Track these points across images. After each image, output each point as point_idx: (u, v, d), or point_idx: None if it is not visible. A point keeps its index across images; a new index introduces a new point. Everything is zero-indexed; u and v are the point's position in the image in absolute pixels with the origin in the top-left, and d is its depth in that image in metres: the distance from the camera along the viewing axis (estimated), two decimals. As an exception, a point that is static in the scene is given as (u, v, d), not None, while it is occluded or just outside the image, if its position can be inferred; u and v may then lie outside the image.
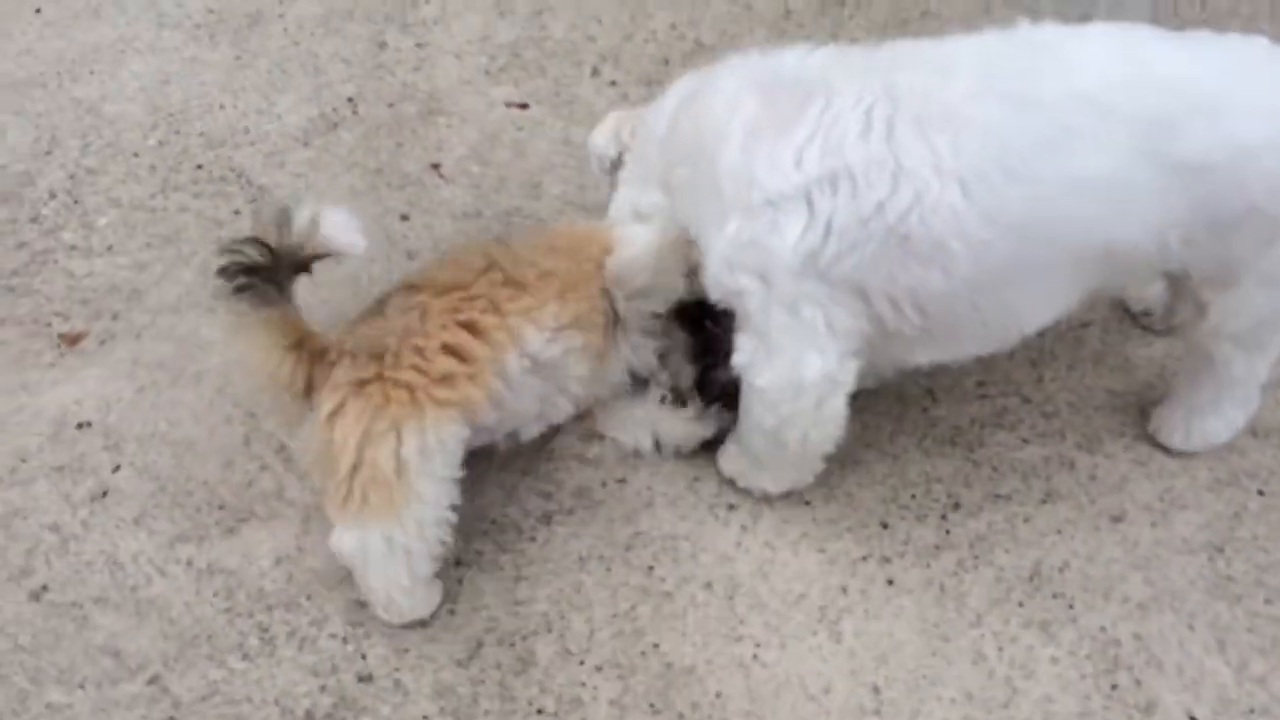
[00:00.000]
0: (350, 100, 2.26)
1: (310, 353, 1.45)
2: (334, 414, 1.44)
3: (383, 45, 2.36)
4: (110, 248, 2.04)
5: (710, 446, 1.75)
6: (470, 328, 1.50)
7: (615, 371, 1.68)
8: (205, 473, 1.74)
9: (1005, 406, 1.83)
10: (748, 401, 1.58)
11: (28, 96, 2.27)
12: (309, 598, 1.61)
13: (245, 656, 1.56)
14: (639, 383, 1.73)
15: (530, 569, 1.65)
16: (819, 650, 1.57)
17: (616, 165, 1.74)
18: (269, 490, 1.72)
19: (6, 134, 2.22)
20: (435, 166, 2.15)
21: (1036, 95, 1.38)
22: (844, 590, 1.63)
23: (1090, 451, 1.78)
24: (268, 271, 1.38)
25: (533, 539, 1.68)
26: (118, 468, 1.75)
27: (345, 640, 1.57)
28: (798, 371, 1.50)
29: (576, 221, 1.70)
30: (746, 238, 1.46)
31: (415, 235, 2.06)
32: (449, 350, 1.48)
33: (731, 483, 1.72)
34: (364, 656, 1.56)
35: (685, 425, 1.72)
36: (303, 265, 1.42)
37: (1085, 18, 1.55)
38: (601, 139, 1.75)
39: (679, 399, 1.73)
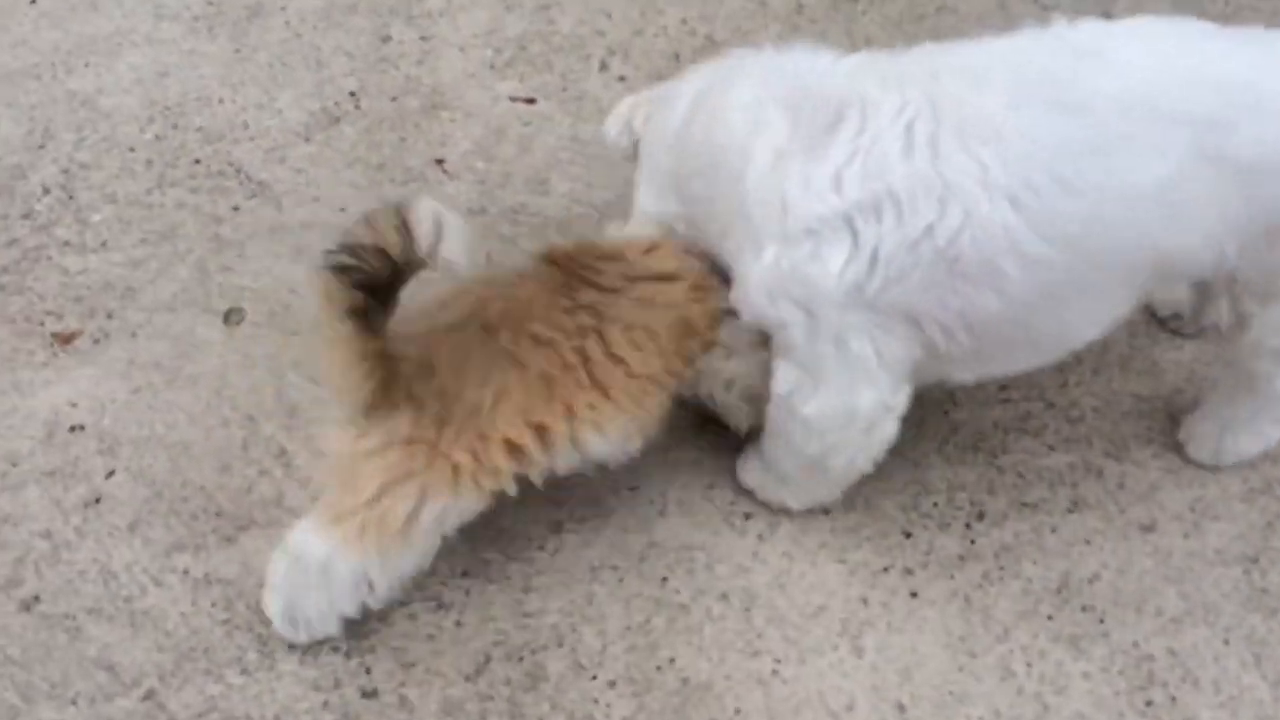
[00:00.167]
0: (352, 94, 2.22)
1: (383, 372, 1.34)
2: (374, 453, 1.37)
3: (386, 38, 2.31)
4: (105, 244, 1.99)
5: (725, 452, 1.69)
6: (539, 431, 1.42)
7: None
8: (202, 478, 1.69)
9: (1029, 411, 1.78)
10: (786, 426, 1.51)
11: (21, 88, 2.22)
12: None
13: (244, 670, 1.51)
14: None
15: (540, 579, 1.60)
16: (840, 665, 1.52)
17: (632, 155, 1.67)
18: (268, 497, 1.67)
19: (-2, 127, 2.17)
20: (439, 162, 2.11)
21: (1083, 101, 1.30)
22: (865, 602, 1.58)
23: (1118, 458, 1.73)
24: (384, 288, 1.28)
25: (542, 548, 1.63)
26: (112, 473, 1.70)
27: (348, 654, 1.52)
28: (849, 403, 1.43)
29: (663, 253, 1.53)
30: (786, 268, 1.38)
31: (420, 233, 2.01)
32: (509, 447, 1.41)
33: (749, 493, 1.66)
34: (368, 671, 1.51)
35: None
36: (410, 276, 1.31)
37: (1105, 14, 1.50)
38: (614, 128, 1.67)
39: None
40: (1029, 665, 1.53)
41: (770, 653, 1.53)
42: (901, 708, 1.49)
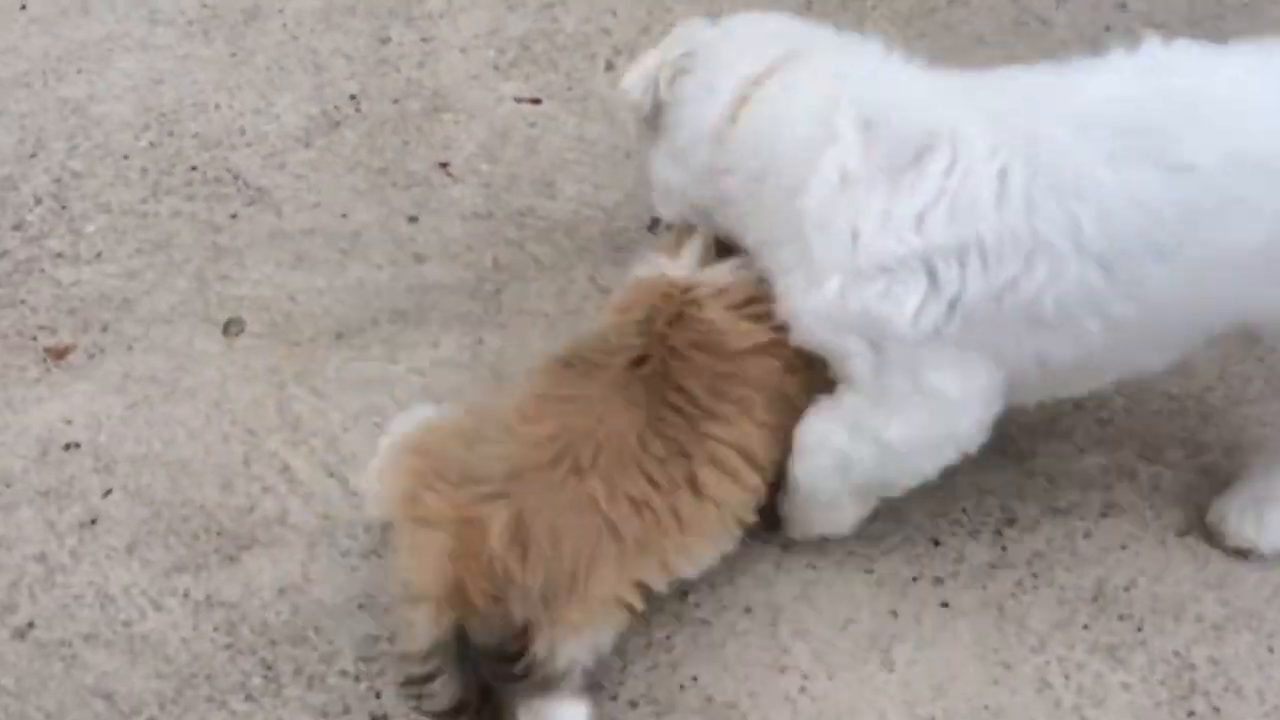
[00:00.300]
0: (353, 98, 2.18)
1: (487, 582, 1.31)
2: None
3: (386, 40, 2.28)
4: (99, 255, 1.95)
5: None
6: (637, 586, 1.38)
7: None
8: (202, 496, 1.65)
9: (1058, 412, 1.73)
10: (853, 451, 1.41)
11: (11, 96, 2.18)
12: (317, 631, 1.52)
13: (249, 697, 1.47)
14: None
15: (555, 596, 1.54)
16: (871, 680, 1.48)
17: (653, 119, 1.52)
18: (271, 515, 1.63)
19: (-11, 137, 2.14)
20: (443, 165, 2.07)
21: (1189, 160, 1.22)
22: (895, 614, 1.53)
23: (1150, 460, 1.68)
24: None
25: (557, 563, 1.58)
26: (108, 492, 1.66)
27: (357, 678, 1.48)
28: (943, 429, 1.37)
29: (750, 309, 1.44)
30: (854, 303, 1.29)
31: (424, 238, 1.97)
32: (611, 601, 1.36)
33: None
34: (378, 695, 1.46)
35: None
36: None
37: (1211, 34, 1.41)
38: (638, 87, 1.50)
39: None
40: (1066, 677, 1.48)
41: (798, 668, 1.48)
42: (935, 724, 1.44)
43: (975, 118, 1.27)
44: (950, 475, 1.64)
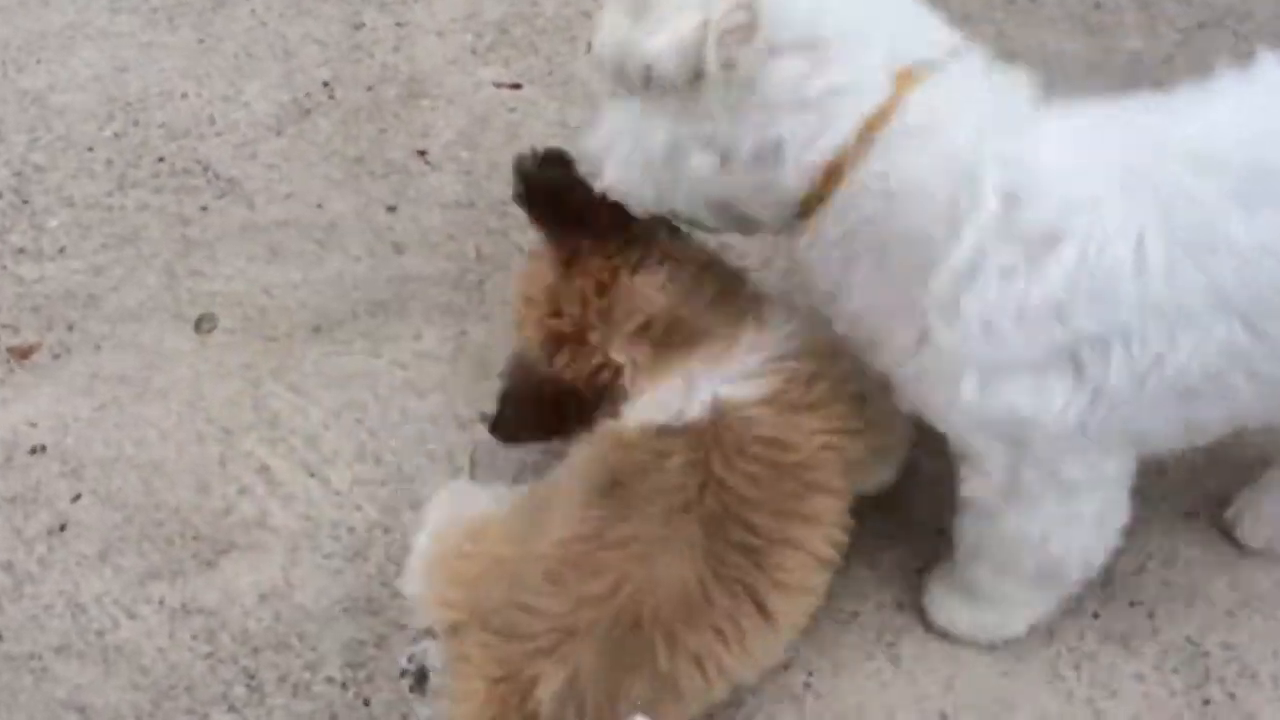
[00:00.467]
0: (326, 84, 2.12)
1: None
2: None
3: (359, 25, 2.22)
4: (63, 250, 1.90)
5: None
6: None
7: None
8: (176, 499, 1.61)
9: (1059, 397, 1.70)
10: (984, 542, 1.35)
11: (-32, 89, 2.11)
12: (300, 637, 1.48)
13: (231, 708, 1.42)
14: None
15: (549, 595, 1.50)
16: (878, 675, 1.44)
17: (664, 87, 1.15)
18: (250, 517, 1.58)
19: (-55, 130, 2.07)
20: (421, 153, 2.02)
21: None
22: (900, 607, 1.50)
23: (1155, 443, 1.65)
24: None
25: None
26: (77, 497, 1.61)
27: (344, 685, 1.43)
28: (1066, 513, 1.29)
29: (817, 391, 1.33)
30: (995, 404, 1.18)
31: (403, 227, 1.92)
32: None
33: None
34: (366, 703, 1.42)
35: None
36: None
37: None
38: (674, 58, 1.11)
39: None
40: (1077, 668, 1.45)
41: (802, 665, 1.45)
42: (945, 718, 1.41)
43: (1111, 178, 1.14)
44: (955, 464, 1.62)
